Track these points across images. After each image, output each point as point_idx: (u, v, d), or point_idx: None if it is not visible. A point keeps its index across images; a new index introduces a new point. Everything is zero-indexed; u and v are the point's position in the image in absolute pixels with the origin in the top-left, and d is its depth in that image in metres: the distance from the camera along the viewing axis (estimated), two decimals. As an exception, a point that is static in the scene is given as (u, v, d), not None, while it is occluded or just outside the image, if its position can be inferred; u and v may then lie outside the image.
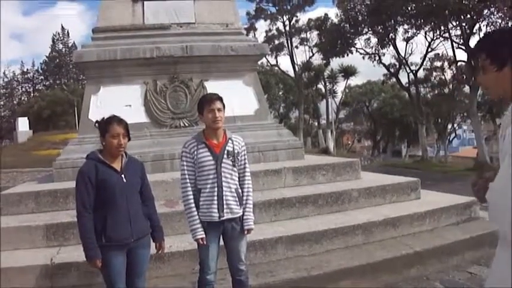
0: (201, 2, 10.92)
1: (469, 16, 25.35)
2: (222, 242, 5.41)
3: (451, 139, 59.93)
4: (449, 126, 54.16)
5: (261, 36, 48.56)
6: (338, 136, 65.47)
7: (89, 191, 4.65)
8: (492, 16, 24.81)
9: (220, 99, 5.35)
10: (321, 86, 53.82)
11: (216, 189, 5.18)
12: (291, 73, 48.41)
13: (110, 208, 4.70)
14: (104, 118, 4.92)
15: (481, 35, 26.06)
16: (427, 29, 30.50)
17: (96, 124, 4.94)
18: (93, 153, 4.88)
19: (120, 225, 4.73)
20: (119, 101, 9.67)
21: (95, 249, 4.62)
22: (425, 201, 9.24)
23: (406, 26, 31.29)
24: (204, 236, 5.11)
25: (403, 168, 27.45)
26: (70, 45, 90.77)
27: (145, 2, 10.57)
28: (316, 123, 59.93)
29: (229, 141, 5.35)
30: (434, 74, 44.87)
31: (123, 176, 4.82)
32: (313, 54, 46.36)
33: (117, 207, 4.73)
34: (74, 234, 6.93)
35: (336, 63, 45.67)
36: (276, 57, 47.83)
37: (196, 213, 5.15)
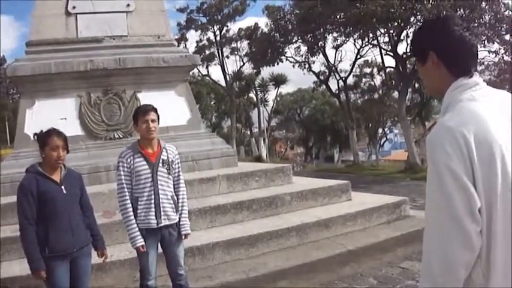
0: (133, 15, 11.03)
1: (396, 24, 26.01)
2: (160, 249, 5.61)
3: (382, 143, 61.01)
4: (380, 130, 55.16)
5: (191, 46, 48.52)
6: (271, 144, 65.87)
7: (30, 203, 4.72)
8: (419, 23, 25.56)
9: (155, 110, 5.55)
10: (252, 94, 53.96)
11: (153, 196, 5.38)
12: (223, 83, 48.39)
13: (52, 219, 4.79)
14: (42, 131, 5.02)
15: (409, 41, 26.99)
16: (356, 36, 30.99)
17: (35, 137, 5.04)
18: (33, 166, 4.97)
19: (62, 235, 4.83)
20: (54, 114, 9.66)
21: (39, 260, 4.70)
22: (356, 202, 9.66)
23: (335, 34, 31.78)
24: (143, 243, 5.28)
25: (336, 173, 27.97)
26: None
27: (78, 15, 10.59)
28: (248, 132, 60.07)
29: (164, 150, 5.57)
30: (363, 80, 45.85)
31: (63, 187, 4.91)
32: (243, 64, 46.53)
33: (58, 218, 4.82)
34: (14, 249, 6.96)
35: (266, 72, 46.04)
36: (207, 67, 47.80)
37: (134, 221, 5.31)
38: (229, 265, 7.26)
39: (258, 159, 39.29)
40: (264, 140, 49.36)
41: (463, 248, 2.15)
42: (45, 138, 4.92)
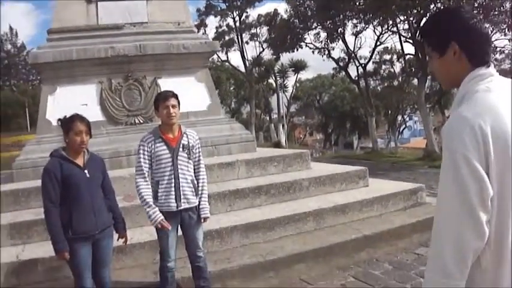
0: (154, 2, 11.14)
1: (416, 11, 25.87)
2: (180, 232, 5.76)
3: (401, 130, 60.82)
4: (400, 117, 54.95)
5: (211, 32, 48.65)
6: (290, 130, 65.81)
7: (55, 187, 4.88)
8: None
9: (175, 96, 5.67)
10: (271, 80, 53.88)
11: (173, 180, 5.51)
12: (242, 68, 48.39)
13: (75, 202, 4.94)
14: (66, 116, 5.16)
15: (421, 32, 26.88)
16: (375, 23, 30.87)
17: (59, 122, 5.18)
18: (57, 150, 5.11)
19: (85, 218, 4.98)
20: (75, 100, 9.81)
21: (62, 242, 4.86)
22: (373, 188, 9.72)
23: (354, 21, 31.71)
24: (163, 217, 5.39)
25: (354, 159, 27.97)
26: (19, 45, 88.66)
27: (99, 3, 10.72)
28: (267, 118, 59.96)
29: (184, 135, 5.68)
30: (383, 67, 45.60)
31: (86, 171, 5.07)
32: (263, 50, 46.46)
33: (81, 201, 4.97)
34: (38, 231, 7.17)
35: (286, 58, 46.16)
36: (226, 53, 47.81)
37: (151, 200, 5.45)
38: (247, 248, 7.38)
39: (277, 145, 39.36)
40: (283, 126, 49.42)
41: (475, 236, 2.22)
42: (68, 123, 5.06)
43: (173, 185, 5.52)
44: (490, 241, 2.28)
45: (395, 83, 44.36)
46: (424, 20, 25.29)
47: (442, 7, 23.75)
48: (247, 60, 47.38)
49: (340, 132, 70.28)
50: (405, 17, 27.29)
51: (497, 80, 2.41)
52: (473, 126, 2.21)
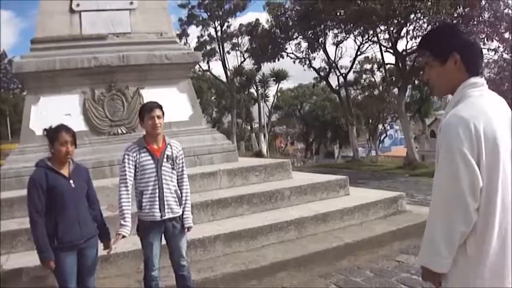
0: (136, 12, 11.19)
1: (396, 21, 26.12)
2: (163, 241, 5.82)
3: (382, 139, 61.23)
4: (380, 126, 55.24)
5: (193, 42, 48.61)
6: (271, 139, 65.89)
7: (40, 197, 4.90)
8: (419, 21, 25.69)
9: (160, 107, 5.75)
10: (253, 90, 53.96)
11: (157, 190, 5.58)
12: (223, 78, 48.49)
13: (60, 212, 4.98)
14: (51, 126, 5.22)
15: (409, 38, 27.20)
16: (356, 33, 31.05)
17: (44, 132, 5.23)
18: (42, 160, 5.14)
19: (70, 227, 5.02)
20: (59, 110, 9.78)
21: (48, 251, 4.89)
22: (354, 197, 9.89)
23: (335, 31, 31.88)
24: (127, 234, 5.52)
25: (335, 168, 28.11)
26: (0, 53, 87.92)
27: (82, 13, 10.74)
28: (249, 127, 60.06)
29: (168, 146, 5.76)
30: (364, 76, 45.94)
31: (71, 181, 5.10)
32: (244, 59, 46.61)
33: (67, 211, 5.01)
34: (22, 241, 7.19)
35: (267, 67, 46.07)
36: (208, 63, 47.87)
37: (129, 212, 5.56)
38: (230, 257, 7.45)
39: (259, 154, 39.44)
40: (264, 135, 49.45)
41: (463, 221, 2.64)
42: (54, 133, 5.09)
43: (157, 195, 5.58)
44: (476, 229, 2.66)
45: (376, 92, 44.66)
46: (404, 29, 25.57)
47: (421, 17, 24.10)
48: (229, 70, 47.52)
49: (321, 141, 70.47)
50: (385, 27, 27.56)
51: (486, 88, 2.82)
52: (468, 124, 2.61)
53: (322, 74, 37.54)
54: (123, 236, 5.50)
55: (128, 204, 5.54)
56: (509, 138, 2.73)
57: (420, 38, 3.29)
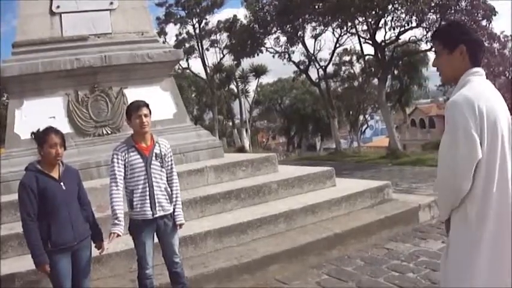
0: (117, 12, 11.14)
1: (374, 12, 26.18)
2: (156, 240, 5.86)
3: (363, 130, 61.46)
4: (361, 117, 55.45)
5: (171, 40, 48.45)
6: (253, 134, 65.85)
7: (32, 200, 4.91)
8: (396, 11, 25.79)
9: (147, 105, 5.80)
10: (233, 86, 53.97)
11: (147, 189, 5.62)
12: (203, 75, 48.33)
13: (53, 215, 5.00)
14: (39, 129, 5.22)
15: (387, 29, 27.27)
16: (334, 25, 31.00)
17: (33, 135, 5.23)
18: (32, 164, 5.15)
19: (63, 230, 5.04)
20: (43, 113, 9.75)
21: (42, 254, 4.91)
22: (340, 188, 9.98)
23: (314, 24, 31.86)
24: (120, 233, 5.54)
25: (319, 160, 28.17)
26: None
27: (63, 15, 10.67)
28: (230, 123, 60.02)
29: (157, 144, 5.81)
30: (343, 68, 46.05)
31: (62, 184, 5.13)
32: (223, 56, 46.50)
33: (59, 213, 5.03)
34: (12, 246, 7.17)
35: (246, 63, 46.01)
36: (187, 60, 47.63)
37: (121, 211, 5.58)
38: (222, 252, 7.50)
39: (241, 150, 39.47)
40: (246, 130, 49.43)
41: (462, 179, 3.03)
42: (43, 136, 5.11)
43: (148, 193, 5.62)
44: (477, 198, 3.03)
45: (356, 83, 44.84)
46: (382, 20, 25.67)
47: (399, 7, 24.18)
48: (208, 66, 47.42)
49: (303, 134, 70.48)
50: (364, 19, 27.62)
51: (484, 77, 3.27)
52: (472, 104, 3.00)
53: (301, 67, 37.57)
54: (118, 235, 5.51)
55: (119, 203, 5.56)
56: (505, 117, 3.16)
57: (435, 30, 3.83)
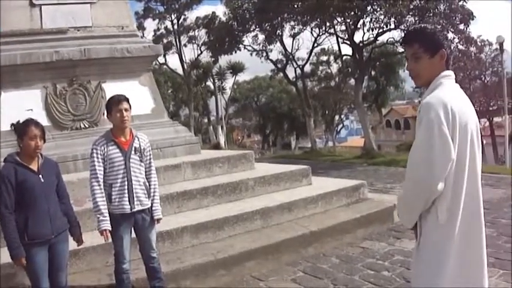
0: (97, 6, 11.06)
1: (353, 13, 26.32)
2: (133, 234, 5.87)
3: (339, 130, 61.82)
4: (337, 117, 55.71)
5: (149, 35, 48.04)
6: (228, 132, 65.83)
7: (9, 192, 4.91)
8: (375, 13, 25.94)
9: (127, 100, 5.82)
10: (209, 83, 53.92)
11: (126, 183, 5.64)
12: (180, 71, 48.20)
13: (30, 207, 4.99)
14: (19, 121, 5.22)
15: (365, 30, 27.45)
16: (313, 25, 31.08)
17: (12, 127, 5.22)
18: (11, 155, 5.14)
19: (40, 223, 5.04)
20: (20, 105, 9.65)
21: (19, 247, 4.90)
22: (316, 186, 10.06)
23: (292, 23, 31.94)
24: (109, 228, 5.55)
25: (294, 159, 28.23)
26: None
27: (43, 7, 10.56)
28: (206, 120, 59.96)
29: (136, 138, 5.83)
30: (320, 68, 46.32)
31: (40, 176, 5.12)
32: (201, 52, 46.39)
33: (37, 206, 5.03)
34: (-11, 239, 7.12)
35: (224, 60, 46.00)
36: (164, 56, 47.26)
37: (103, 206, 5.57)
38: (198, 248, 7.52)
39: (216, 147, 39.40)
40: (221, 128, 49.45)
41: (432, 178, 3.03)
42: (23, 128, 5.11)
43: (126, 187, 5.64)
44: (447, 198, 3.06)
45: (333, 83, 45.09)
46: (361, 21, 25.85)
47: (378, 9, 24.33)
48: (185, 63, 47.29)
49: (278, 133, 70.56)
50: (342, 19, 27.74)
51: (454, 80, 3.33)
52: (446, 105, 3.04)
53: (279, 66, 37.67)
54: (109, 231, 5.54)
55: (102, 198, 5.56)
56: (473, 120, 3.22)
57: (408, 32, 3.70)
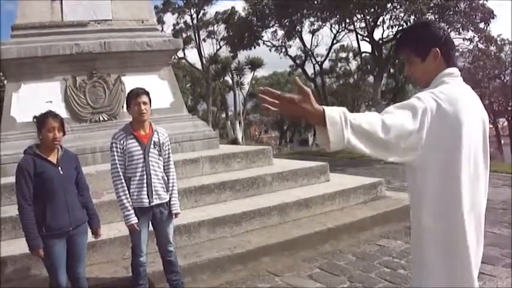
0: (118, 0, 11.13)
1: (373, 10, 26.21)
2: (150, 227, 5.88)
3: (357, 127, 61.62)
4: (355, 114, 55.48)
5: (168, 29, 48.36)
6: (246, 127, 65.91)
7: (28, 184, 4.93)
8: (395, 10, 25.83)
9: (147, 93, 5.81)
10: (228, 78, 54.13)
11: (145, 177, 5.63)
12: (199, 66, 48.43)
13: (49, 199, 5.01)
14: (40, 113, 5.24)
15: (385, 27, 27.38)
16: (332, 21, 31.08)
17: (34, 119, 5.25)
18: (31, 147, 5.16)
19: (58, 214, 5.05)
20: (40, 97, 9.74)
21: (37, 239, 4.93)
22: (334, 183, 10.01)
23: (312, 19, 31.95)
24: (136, 221, 5.55)
25: (311, 155, 28.08)
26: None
27: (63, 0, 10.64)
28: (224, 115, 60.08)
29: (155, 132, 5.82)
30: (339, 64, 46.20)
31: (59, 168, 5.13)
32: (220, 47, 46.65)
33: (55, 198, 5.04)
34: (6, 229, 7.14)
35: (243, 55, 46.09)
36: (183, 50, 47.56)
37: (128, 200, 5.57)
38: (215, 242, 7.53)
39: (234, 142, 39.39)
40: (239, 123, 49.48)
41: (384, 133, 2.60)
42: (42, 120, 5.12)
43: (145, 181, 5.64)
44: (433, 202, 2.83)
45: (351, 80, 44.95)
46: (381, 18, 25.77)
47: (398, 6, 24.22)
48: (204, 57, 47.48)
49: (296, 129, 70.57)
50: (362, 16, 27.65)
51: (461, 79, 2.99)
52: (440, 104, 2.70)
53: (298, 62, 37.68)
54: (137, 224, 5.56)
55: (125, 193, 5.57)
56: (479, 127, 2.90)
57: (397, 38, 3.36)
